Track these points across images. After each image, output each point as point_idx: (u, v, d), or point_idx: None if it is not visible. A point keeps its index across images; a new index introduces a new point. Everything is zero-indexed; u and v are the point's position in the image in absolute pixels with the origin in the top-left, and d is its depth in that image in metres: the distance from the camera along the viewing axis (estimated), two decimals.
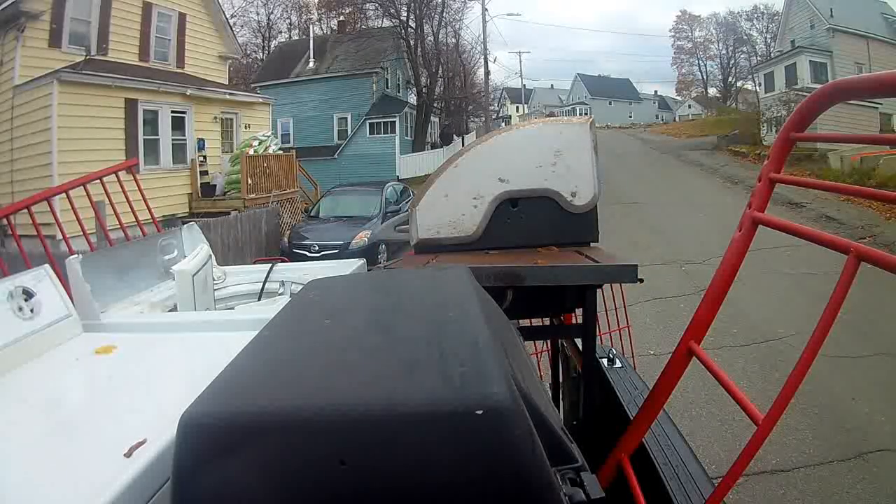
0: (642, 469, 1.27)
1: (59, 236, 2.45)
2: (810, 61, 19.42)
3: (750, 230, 1.11)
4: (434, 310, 0.82)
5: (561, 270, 1.31)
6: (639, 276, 1.25)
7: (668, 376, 1.20)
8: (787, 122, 1.05)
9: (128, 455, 0.79)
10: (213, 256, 2.15)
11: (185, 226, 2.30)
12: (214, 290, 2.09)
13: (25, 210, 2.49)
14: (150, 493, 0.74)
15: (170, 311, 1.85)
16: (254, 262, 2.68)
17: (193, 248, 2.12)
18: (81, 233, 2.68)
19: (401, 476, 0.54)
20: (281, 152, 12.67)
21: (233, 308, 2.12)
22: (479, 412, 0.53)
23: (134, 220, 2.96)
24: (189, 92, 10.68)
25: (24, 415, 0.99)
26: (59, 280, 1.46)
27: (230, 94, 12.25)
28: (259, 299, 2.18)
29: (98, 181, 2.90)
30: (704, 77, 46.31)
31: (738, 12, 39.65)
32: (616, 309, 2.75)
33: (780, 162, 1.09)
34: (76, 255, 1.59)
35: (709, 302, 1.15)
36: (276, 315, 0.89)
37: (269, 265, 2.28)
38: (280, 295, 2.19)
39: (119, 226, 2.68)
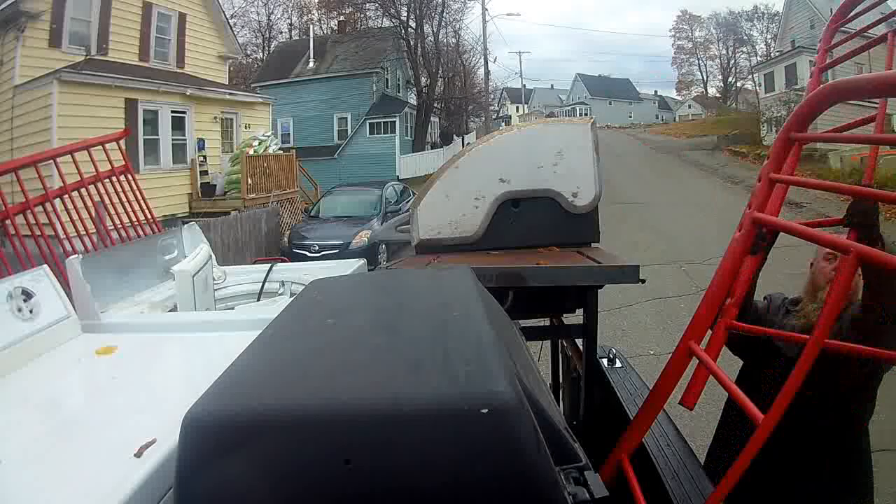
0: (642, 469, 1.27)
1: (59, 235, 2.45)
2: (810, 61, 19.38)
3: (750, 230, 1.11)
4: (437, 309, 0.82)
5: (563, 271, 1.31)
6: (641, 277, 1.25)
7: (668, 376, 1.20)
8: (787, 123, 1.06)
9: (138, 455, 0.79)
10: (213, 256, 2.15)
11: (186, 226, 2.30)
12: (214, 290, 2.09)
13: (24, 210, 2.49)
14: (162, 492, 0.75)
15: (170, 311, 1.85)
16: (254, 262, 2.67)
17: (193, 248, 2.12)
18: (76, 233, 2.68)
19: (406, 475, 0.54)
20: (281, 152, 12.65)
21: (233, 308, 2.12)
22: (485, 411, 0.53)
23: (134, 219, 2.95)
24: (189, 92, 10.67)
25: (32, 417, 0.99)
26: (60, 280, 1.46)
27: (230, 94, 12.24)
28: (258, 299, 2.18)
29: (96, 178, 2.90)
30: (704, 77, 46.40)
31: (739, 12, 39.71)
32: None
33: (780, 162, 1.09)
34: (76, 255, 1.59)
35: (709, 302, 1.15)
36: (278, 315, 0.89)
37: (269, 265, 2.28)
38: (280, 295, 2.19)
39: (118, 226, 2.68)
